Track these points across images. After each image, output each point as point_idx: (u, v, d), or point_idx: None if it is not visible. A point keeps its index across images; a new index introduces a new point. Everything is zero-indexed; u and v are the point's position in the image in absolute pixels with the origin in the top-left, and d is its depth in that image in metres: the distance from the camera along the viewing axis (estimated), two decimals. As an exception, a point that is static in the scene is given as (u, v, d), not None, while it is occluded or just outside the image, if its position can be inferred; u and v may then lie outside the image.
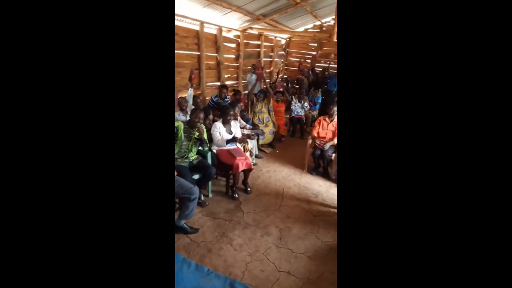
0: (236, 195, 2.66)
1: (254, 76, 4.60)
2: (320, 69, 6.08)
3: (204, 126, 2.44)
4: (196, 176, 2.35)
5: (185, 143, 2.32)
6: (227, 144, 2.67)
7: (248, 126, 3.35)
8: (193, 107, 3.15)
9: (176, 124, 2.25)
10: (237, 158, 2.54)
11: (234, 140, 2.65)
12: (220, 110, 3.16)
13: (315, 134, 3.24)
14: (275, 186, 2.98)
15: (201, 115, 2.32)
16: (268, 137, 3.85)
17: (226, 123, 2.76)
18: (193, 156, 2.43)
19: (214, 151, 2.72)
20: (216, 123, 2.74)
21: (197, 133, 2.32)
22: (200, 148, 2.47)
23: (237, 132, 2.85)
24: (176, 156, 2.28)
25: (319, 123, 3.26)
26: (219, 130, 2.69)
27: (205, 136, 2.39)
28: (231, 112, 2.76)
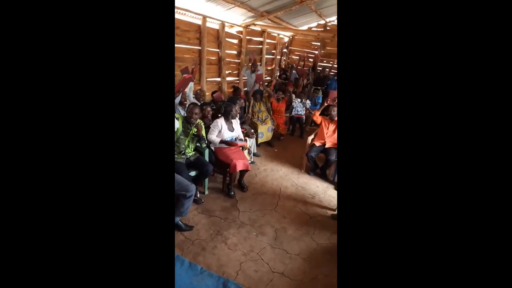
0: (233, 193, 2.64)
1: (251, 73, 4.56)
2: (321, 68, 6.03)
3: (202, 122, 2.41)
4: (192, 173, 2.33)
5: (182, 138, 2.29)
6: (226, 143, 2.64)
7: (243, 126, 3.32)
8: (194, 101, 3.11)
9: (176, 116, 2.21)
10: (235, 157, 2.51)
11: (227, 143, 2.63)
12: (219, 107, 3.13)
13: (316, 141, 3.21)
14: (272, 185, 2.96)
15: (196, 110, 2.29)
16: (267, 134, 3.82)
17: (228, 120, 2.72)
18: (190, 152, 2.40)
19: (213, 148, 2.69)
20: (218, 119, 2.68)
21: (194, 129, 2.29)
22: (198, 144, 2.44)
23: (238, 130, 2.81)
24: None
25: (324, 125, 3.22)
26: (220, 128, 2.64)
27: (203, 132, 2.36)
28: (234, 109, 2.71)
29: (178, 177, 1.97)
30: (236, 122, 2.81)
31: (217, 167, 2.64)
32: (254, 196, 2.71)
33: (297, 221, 2.37)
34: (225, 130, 2.66)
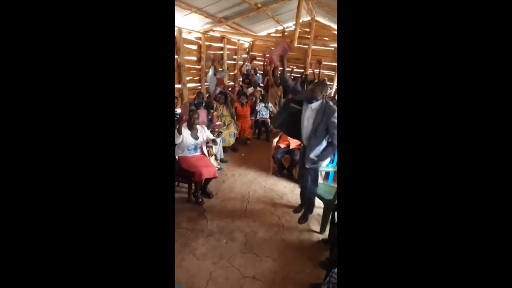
0: (201, 200, 2.58)
1: (213, 76, 4.55)
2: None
3: None
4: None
5: None
6: (190, 149, 2.57)
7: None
8: None
9: None
10: (201, 165, 2.46)
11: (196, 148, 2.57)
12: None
13: (281, 143, 3.29)
14: (240, 190, 2.95)
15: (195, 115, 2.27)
16: (228, 139, 3.76)
17: (191, 127, 2.62)
18: None
19: (176, 157, 2.59)
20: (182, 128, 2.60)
21: None
22: None
23: (204, 137, 2.73)
24: None
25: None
26: (183, 134, 2.54)
27: None
28: (196, 116, 2.64)
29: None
30: (201, 129, 2.73)
31: (181, 175, 2.55)
32: (222, 202, 2.67)
33: (267, 223, 2.39)
34: (187, 137, 2.57)
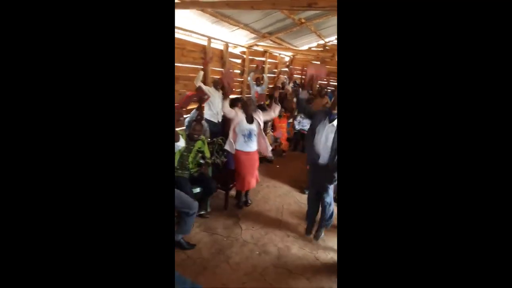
0: (250, 202, 2.75)
1: (256, 86, 4.69)
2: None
3: (204, 138, 2.45)
4: (196, 189, 2.32)
5: (185, 154, 2.31)
6: (245, 134, 2.48)
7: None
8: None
9: (179, 132, 2.20)
10: (248, 172, 2.51)
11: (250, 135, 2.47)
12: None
13: None
14: (274, 202, 2.93)
15: (198, 127, 2.33)
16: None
17: (246, 112, 2.49)
18: (193, 169, 2.42)
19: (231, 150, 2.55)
20: (236, 108, 2.58)
21: (198, 145, 2.33)
22: (201, 161, 2.46)
23: (260, 121, 2.54)
24: (176, 167, 2.26)
25: None
26: (237, 118, 2.44)
27: (206, 148, 2.39)
28: (253, 105, 2.55)
29: (180, 193, 1.97)
30: (258, 113, 2.54)
31: (221, 182, 2.62)
32: (256, 213, 2.68)
33: (301, 239, 2.32)
34: (242, 121, 2.45)
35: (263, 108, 4.13)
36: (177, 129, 2.23)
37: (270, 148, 2.68)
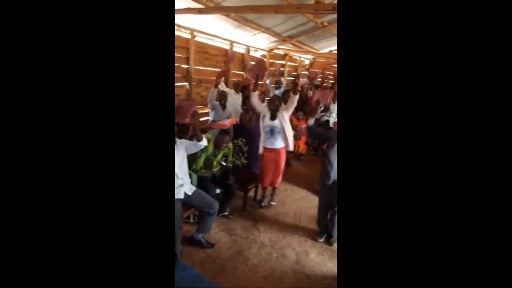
0: (273, 202, 2.78)
1: (274, 89, 4.67)
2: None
3: (231, 146, 2.50)
4: (217, 191, 2.37)
5: (211, 158, 2.37)
6: (267, 131, 2.51)
7: None
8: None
9: (208, 136, 2.23)
10: (272, 170, 2.56)
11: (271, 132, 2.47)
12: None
13: None
14: (292, 206, 2.92)
15: (226, 139, 2.33)
16: None
17: (272, 110, 2.48)
18: (216, 168, 2.47)
19: (261, 148, 2.58)
20: (263, 103, 2.60)
21: (224, 152, 2.41)
22: (223, 163, 2.52)
23: (285, 121, 2.48)
24: (200, 166, 2.33)
25: None
26: (264, 112, 2.47)
27: (230, 154, 2.47)
28: (278, 101, 2.50)
29: (203, 193, 2.03)
30: (282, 111, 2.49)
31: (240, 183, 2.65)
32: (274, 216, 2.68)
33: (319, 245, 2.29)
34: (265, 117, 2.51)
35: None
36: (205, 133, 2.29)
37: (291, 147, 2.67)
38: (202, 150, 2.19)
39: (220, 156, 2.41)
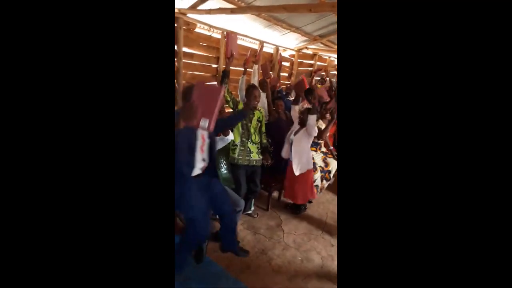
0: (304, 207, 2.72)
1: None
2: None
3: (263, 110, 2.38)
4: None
5: (245, 123, 2.23)
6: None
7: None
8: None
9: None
10: (298, 181, 2.45)
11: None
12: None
13: None
14: (317, 209, 2.85)
15: (257, 92, 2.12)
16: None
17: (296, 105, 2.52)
18: (256, 138, 2.31)
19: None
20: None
21: (257, 115, 2.26)
22: (264, 140, 2.38)
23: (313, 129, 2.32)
24: (237, 152, 2.24)
25: None
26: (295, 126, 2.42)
27: (263, 121, 2.34)
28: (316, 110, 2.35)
29: (230, 191, 2.05)
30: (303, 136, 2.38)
31: (264, 182, 2.63)
32: (298, 218, 2.64)
33: (346, 251, 2.21)
34: (294, 131, 2.46)
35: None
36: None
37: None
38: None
39: (255, 121, 2.27)
